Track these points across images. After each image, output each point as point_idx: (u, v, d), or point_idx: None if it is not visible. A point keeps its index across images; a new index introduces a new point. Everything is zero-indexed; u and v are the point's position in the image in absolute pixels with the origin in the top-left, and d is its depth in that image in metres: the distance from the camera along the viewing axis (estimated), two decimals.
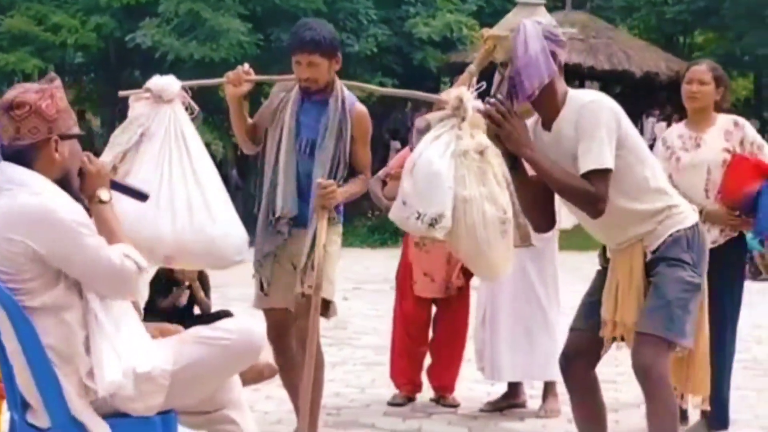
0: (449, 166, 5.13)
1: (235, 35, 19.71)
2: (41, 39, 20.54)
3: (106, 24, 20.51)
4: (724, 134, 5.60)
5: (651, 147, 17.86)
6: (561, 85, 4.22)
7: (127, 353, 3.59)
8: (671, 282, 4.15)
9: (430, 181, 5.11)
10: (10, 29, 20.47)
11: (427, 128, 5.48)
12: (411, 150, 5.67)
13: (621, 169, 4.09)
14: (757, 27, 23.98)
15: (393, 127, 23.09)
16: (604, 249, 4.48)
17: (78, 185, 3.73)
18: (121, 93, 5.02)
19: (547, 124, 4.23)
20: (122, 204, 4.17)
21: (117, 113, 22.50)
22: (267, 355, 4.58)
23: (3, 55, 20.34)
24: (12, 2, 21.04)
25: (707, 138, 5.62)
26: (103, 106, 24.73)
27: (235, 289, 10.52)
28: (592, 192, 4.05)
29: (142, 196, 4.11)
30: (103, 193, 3.77)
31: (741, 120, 5.71)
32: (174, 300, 7.30)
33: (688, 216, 4.24)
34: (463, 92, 5.35)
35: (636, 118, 23.09)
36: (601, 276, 4.44)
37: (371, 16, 21.28)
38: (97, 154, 4.30)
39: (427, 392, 6.59)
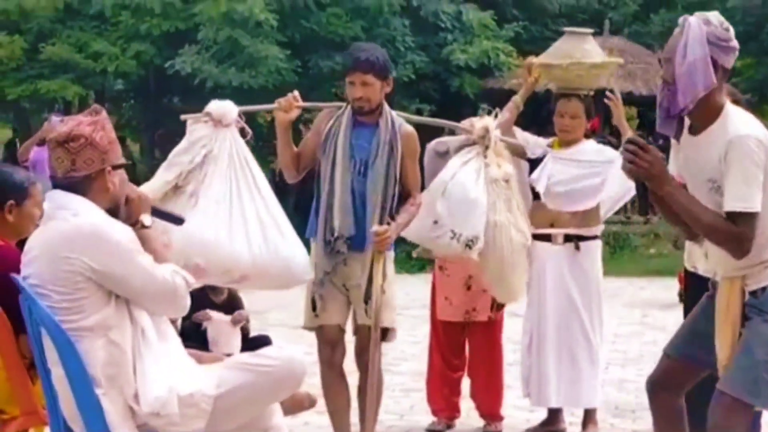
0: (484, 192, 5.34)
1: (274, 62, 19.81)
2: (82, 66, 20.71)
3: (146, 51, 20.67)
4: None
5: None
6: (719, 96, 3.87)
7: (172, 375, 3.64)
8: (763, 341, 3.82)
9: (468, 206, 5.38)
10: (51, 57, 20.65)
11: (446, 152, 5.69)
12: (424, 169, 5.80)
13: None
14: None
15: None
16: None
17: (125, 212, 3.82)
18: (183, 116, 5.14)
19: (694, 130, 3.94)
20: (198, 227, 4.53)
21: (156, 140, 22.69)
22: (306, 387, 4.61)
23: (44, 83, 20.53)
24: (53, 30, 21.24)
25: None
26: (142, 133, 24.91)
27: (274, 314, 10.57)
28: (736, 233, 3.78)
29: (178, 221, 4.21)
30: (146, 219, 3.91)
31: None
32: (198, 320, 7.08)
33: None
34: (488, 122, 5.64)
35: None
36: (707, 302, 4.14)
37: (409, 42, 21.33)
38: (138, 180, 4.37)
39: (465, 419, 6.58)
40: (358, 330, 5.37)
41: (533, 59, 6.32)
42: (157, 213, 4.07)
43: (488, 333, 6.47)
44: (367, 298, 5.21)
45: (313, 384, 5.23)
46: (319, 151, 5.34)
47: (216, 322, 6.63)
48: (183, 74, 19.95)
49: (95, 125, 3.73)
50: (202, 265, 4.63)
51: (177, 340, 3.83)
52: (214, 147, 4.91)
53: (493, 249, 5.65)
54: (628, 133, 5.62)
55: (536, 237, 6.14)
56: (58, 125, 3.81)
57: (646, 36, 27.02)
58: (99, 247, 3.59)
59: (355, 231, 5.22)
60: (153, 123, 23.00)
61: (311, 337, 5.64)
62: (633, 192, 6.25)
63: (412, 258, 20.22)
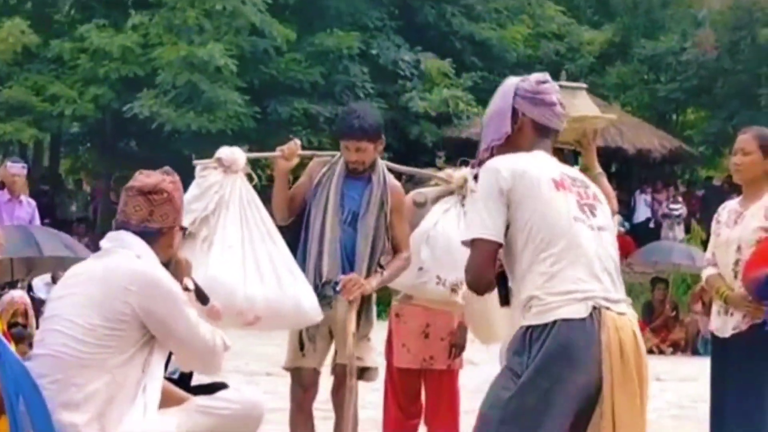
0: None
1: (233, 107, 19.85)
2: (38, 109, 20.63)
3: (103, 95, 20.61)
4: (764, 211, 5.05)
5: (645, 223, 18.10)
6: (528, 147, 3.72)
7: (145, 423, 3.67)
8: (488, 391, 3.55)
9: (451, 252, 5.55)
10: (8, 99, 20.56)
11: (424, 202, 5.79)
12: None
13: (508, 239, 3.59)
14: (748, 107, 24.22)
15: None
16: None
17: (171, 271, 3.92)
18: (195, 162, 5.25)
19: None
20: (215, 268, 4.69)
21: (112, 184, 22.59)
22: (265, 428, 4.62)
23: (0, 125, 20.44)
24: (10, 73, 21.16)
25: (747, 214, 5.11)
26: (97, 177, 24.77)
27: (228, 362, 10.49)
28: (467, 264, 3.66)
29: (205, 299, 4.28)
30: (189, 283, 4.05)
31: None
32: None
33: (552, 310, 3.44)
34: (466, 172, 5.75)
35: (629, 195, 23.21)
36: None
37: (368, 89, 21.46)
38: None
39: None
40: (336, 368, 5.50)
41: None
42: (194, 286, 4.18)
43: (445, 381, 6.47)
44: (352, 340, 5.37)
45: (268, 430, 5.22)
46: (310, 197, 5.46)
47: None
48: (141, 118, 19.92)
49: (175, 185, 3.89)
50: (217, 308, 4.71)
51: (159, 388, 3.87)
52: (226, 193, 5.04)
53: None
54: (597, 169, 5.65)
55: None
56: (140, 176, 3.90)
57: (602, 88, 27.39)
58: (159, 294, 3.68)
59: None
60: (109, 167, 22.92)
61: (267, 384, 5.63)
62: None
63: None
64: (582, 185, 3.71)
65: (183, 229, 4.03)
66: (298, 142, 5.53)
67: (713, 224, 5.33)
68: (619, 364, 3.42)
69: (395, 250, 5.49)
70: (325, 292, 5.36)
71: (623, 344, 3.44)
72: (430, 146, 22.78)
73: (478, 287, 3.65)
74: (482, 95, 22.97)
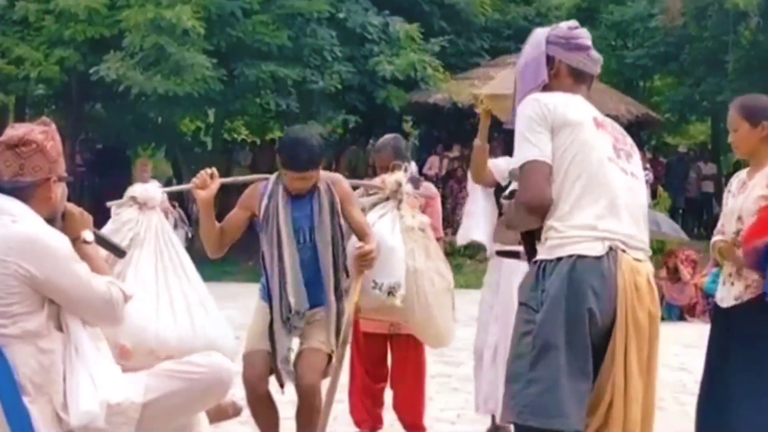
0: (401, 241, 5.56)
1: (200, 70, 19.70)
2: (4, 72, 20.44)
3: (69, 57, 20.42)
4: (766, 179, 4.88)
5: None
6: (567, 89, 3.77)
7: (101, 384, 3.63)
8: (513, 334, 3.54)
9: (386, 254, 5.50)
10: None
11: (362, 210, 5.69)
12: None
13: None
14: (714, 73, 24.33)
15: (353, 164, 22.95)
16: None
17: (61, 226, 3.80)
18: (109, 203, 5.13)
19: None
20: (126, 310, 4.34)
21: (77, 146, 22.44)
22: (231, 394, 4.62)
23: None
24: None
25: (751, 184, 4.96)
26: (63, 140, 24.53)
27: None
28: (521, 188, 3.59)
29: (120, 252, 4.19)
30: (87, 234, 3.90)
31: None
32: None
33: (567, 245, 3.44)
34: (400, 177, 5.68)
35: None
36: None
37: (336, 53, 21.36)
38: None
39: (388, 430, 6.60)
40: (302, 353, 5.35)
41: (479, 93, 6.27)
42: (99, 238, 4.06)
43: (412, 345, 6.49)
44: (338, 331, 5.29)
45: (234, 393, 5.22)
46: (261, 233, 5.33)
47: None
48: (107, 81, 19.76)
49: (46, 134, 3.77)
50: (128, 347, 4.62)
51: (107, 348, 3.83)
52: (141, 230, 4.91)
53: (416, 295, 5.70)
54: None
55: (504, 254, 6.16)
56: (8, 130, 3.78)
57: None
58: (37, 253, 3.58)
59: (310, 303, 5.29)
60: (74, 129, 22.73)
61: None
62: None
63: None
64: (620, 133, 3.78)
65: (64, 179, 3.84)
66: (214, 170, 5.36)
67: (725, 194, 5.21)
68: (634, 307, 3.40)
69: (361, 238, 5.33)
70: (295, 323, 5.29)
71: (639, 287, 3.42)
72: (397, 111, 22.75)
73: (541, 202, 3.52)
74: (450, 60, 22.96)
